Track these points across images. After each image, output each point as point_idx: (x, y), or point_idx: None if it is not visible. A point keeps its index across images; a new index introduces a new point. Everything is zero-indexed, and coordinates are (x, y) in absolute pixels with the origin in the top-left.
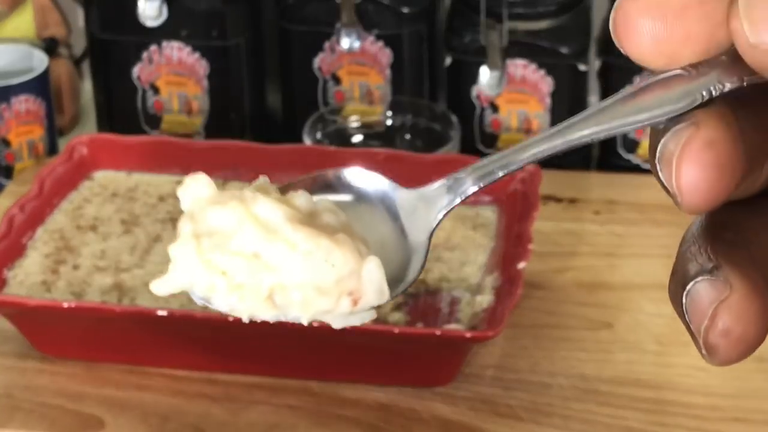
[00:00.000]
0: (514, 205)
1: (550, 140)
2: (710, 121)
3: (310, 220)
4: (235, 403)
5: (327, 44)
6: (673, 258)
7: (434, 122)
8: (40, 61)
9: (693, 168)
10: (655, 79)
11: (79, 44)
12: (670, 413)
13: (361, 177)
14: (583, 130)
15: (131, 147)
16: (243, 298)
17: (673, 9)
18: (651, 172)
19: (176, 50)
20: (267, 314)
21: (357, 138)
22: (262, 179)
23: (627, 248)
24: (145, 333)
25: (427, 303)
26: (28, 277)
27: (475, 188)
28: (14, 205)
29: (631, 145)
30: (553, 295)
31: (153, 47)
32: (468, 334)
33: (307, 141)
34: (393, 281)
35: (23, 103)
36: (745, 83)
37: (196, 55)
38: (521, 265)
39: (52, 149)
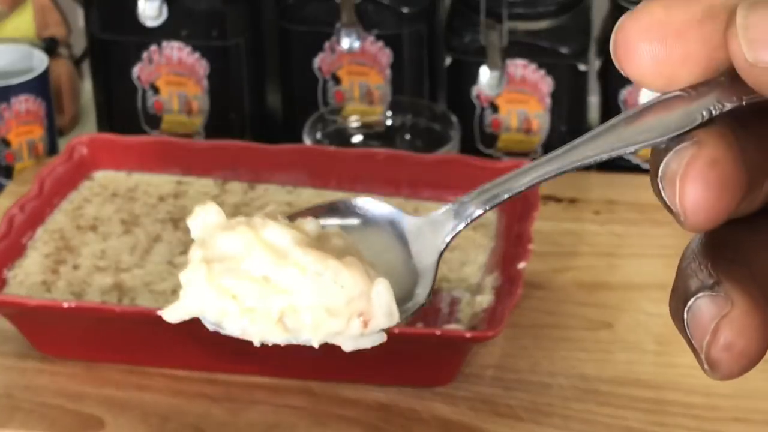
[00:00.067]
0: (514, 205)
1: (553, 163)
2: (712, 140)
3: (318, 244)
4: (235, 403)
5: (327, 44)
6: (673, 258)
7: (434, 122)
8: (40, 61)
9: (696, 187)
10: (655, 100)
11: (79, 44)
12: (670, 413)
13: (368, 205)
14: (585, 152)
15: (131, 147)
16: (254, 321)
17: (672, 30)
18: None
19: (176, 50)
20: (278, 337)
21: (357, 138)
22: (271, 208)
23: (627, 248)
24: (145, 333)
25: None
26: (28, 277)
27: (480, 211)
28: (14, 205)
29: None
30: (553, 295)
31: (153, 47)
32: (468, 334)
33: (307, 141)
34: (401, 304)
35: (23, 103)
36: (744, 102)
37: (196, 55)
38: (521, 265)
39: (52, 149)
